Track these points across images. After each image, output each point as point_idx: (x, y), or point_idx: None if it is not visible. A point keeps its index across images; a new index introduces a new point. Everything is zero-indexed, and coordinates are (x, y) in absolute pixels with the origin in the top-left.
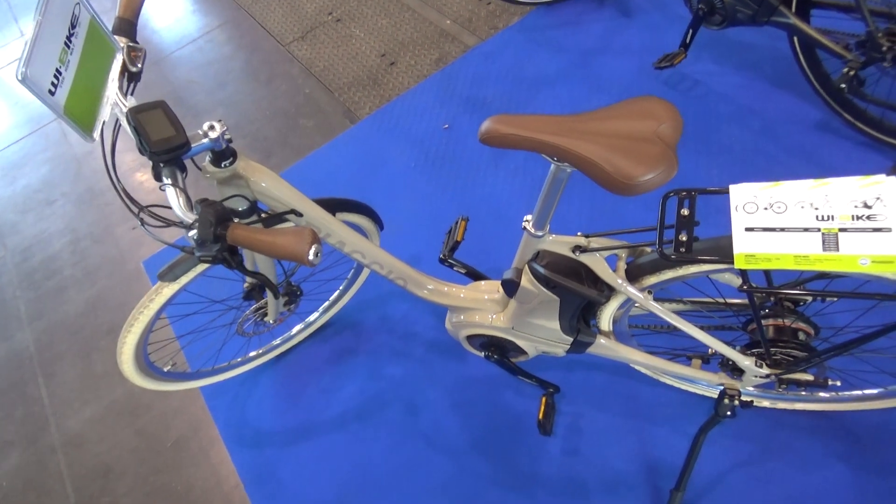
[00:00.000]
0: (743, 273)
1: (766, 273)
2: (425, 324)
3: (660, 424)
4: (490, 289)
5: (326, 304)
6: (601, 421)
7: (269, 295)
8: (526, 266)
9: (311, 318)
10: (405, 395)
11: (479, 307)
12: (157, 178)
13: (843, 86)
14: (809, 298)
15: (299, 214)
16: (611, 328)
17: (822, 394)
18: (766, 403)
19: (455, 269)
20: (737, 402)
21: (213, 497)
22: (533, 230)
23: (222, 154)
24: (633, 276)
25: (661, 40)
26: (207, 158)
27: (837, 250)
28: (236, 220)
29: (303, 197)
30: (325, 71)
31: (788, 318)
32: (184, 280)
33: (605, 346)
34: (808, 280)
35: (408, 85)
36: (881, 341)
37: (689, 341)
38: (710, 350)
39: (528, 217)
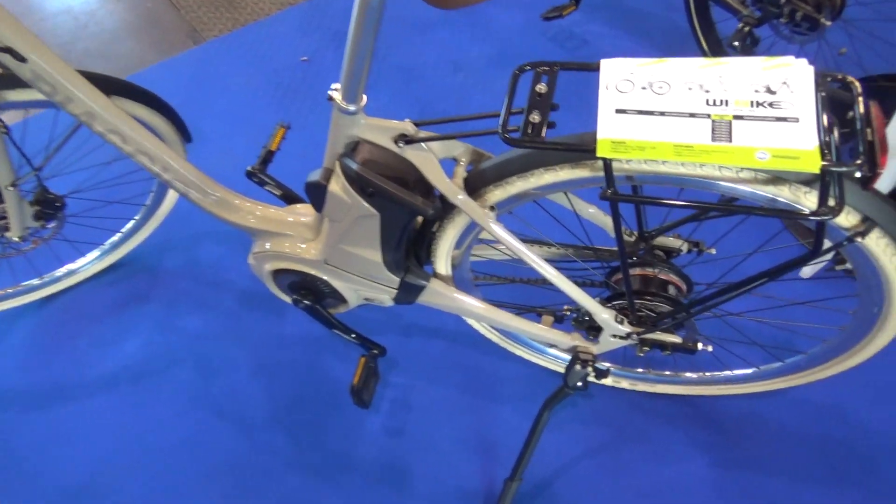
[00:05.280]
0: (607, 173)
1: (638, 208)
2: (241, 271)
3: (502, 403)
4: (305, 212)
5: (115, 237)
6: (435, 395)
7: (3, 193)
8: (337, 163)
9: (92, 255)
10: (200, 352)
11: (283, 231)
12: None
13: (737, 44)
14: (684, 249)
15: (21, 59)
16: (449, 272)
17: (688, 374)
18: (625, 384)
19: (266, 187)
20: (590, 369)
21: None
22: (343, 103)
23: None
24: (473, 186)
25: None
26: None
27: (730, 141)
28: None
29: (31, 35)
30: None
31: (658, 268)
32: None
33: (440, 294)
34: (681, 223)
35: (269, 11)
36: (754, 303)
37: (541, 297)
38: (564, 307)
39: (336, 85)
